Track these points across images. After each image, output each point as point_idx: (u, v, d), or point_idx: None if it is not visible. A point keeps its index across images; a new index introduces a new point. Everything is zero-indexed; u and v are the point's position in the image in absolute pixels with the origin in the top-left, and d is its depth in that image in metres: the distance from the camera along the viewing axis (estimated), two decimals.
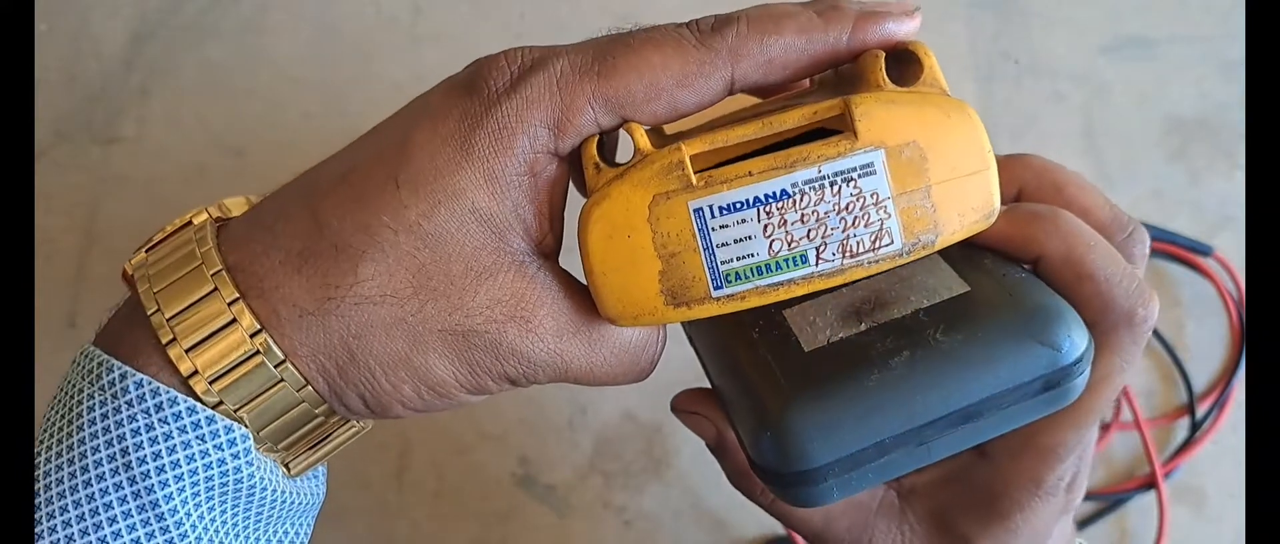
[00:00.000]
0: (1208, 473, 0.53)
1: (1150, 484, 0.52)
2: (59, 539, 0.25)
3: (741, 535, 0.52)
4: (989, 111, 0.57)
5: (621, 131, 0.28)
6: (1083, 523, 0.52)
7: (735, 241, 0.26)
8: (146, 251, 0.28)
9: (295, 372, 0.27)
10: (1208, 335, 0.55)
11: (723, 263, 0.27)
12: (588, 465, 0.52)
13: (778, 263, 0.27)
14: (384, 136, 0.28)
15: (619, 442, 0.53)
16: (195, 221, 0.29)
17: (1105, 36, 0.59)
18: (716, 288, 0.27)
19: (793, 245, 0.27)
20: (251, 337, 0.26)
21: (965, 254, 0.30)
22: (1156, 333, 0.54)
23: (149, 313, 0.27)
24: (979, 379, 0.27)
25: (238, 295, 0.26)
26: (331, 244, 0.26)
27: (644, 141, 0.27)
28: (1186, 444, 0.53)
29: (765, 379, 0.28)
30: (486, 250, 0.27)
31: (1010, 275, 0.29)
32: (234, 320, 0.26)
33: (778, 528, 0.51)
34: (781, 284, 0.27)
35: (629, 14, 0.57)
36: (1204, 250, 0.55)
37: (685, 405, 0.34)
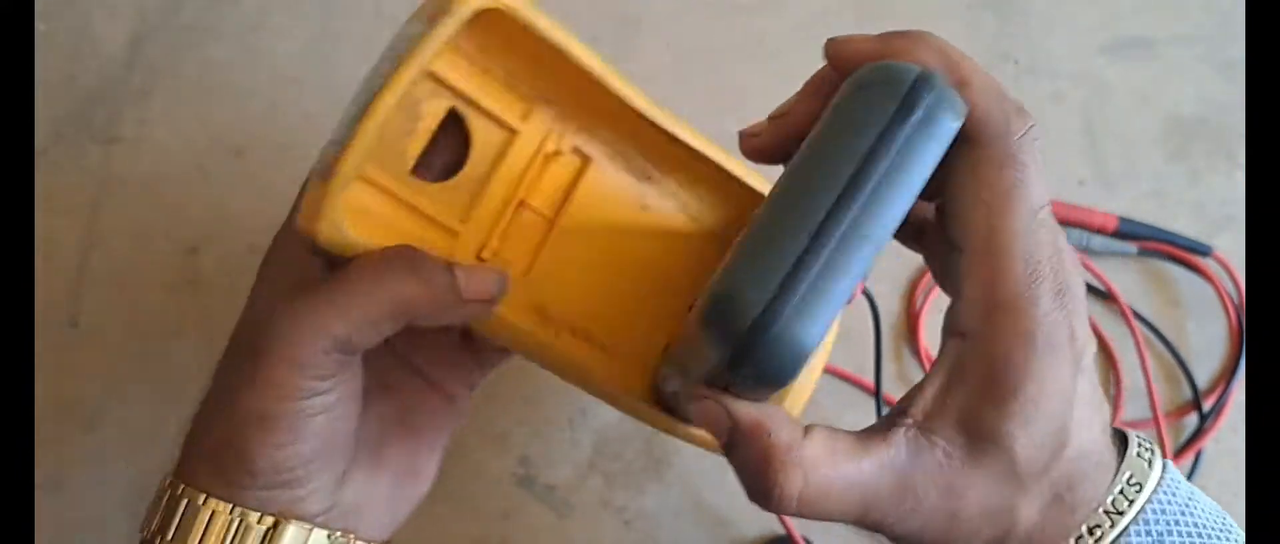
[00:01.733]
0: (1208, 473, 0.53)
1: None
2: None
3: (742, 535, 0.52)
4: None
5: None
6: None
7: None
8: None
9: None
10: (1207, 336, 0.55)
11: None
12: (588, 465, 0.52)
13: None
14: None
15: (619, 442, 0.53)
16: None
17: (1105, 36, 0.59)
18: None
19: None
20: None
21: None
22: (1157, 332, 0.54)
23: None
24: (841, 139, 0.28)
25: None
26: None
27: None
28: (1187, 444, 0.53)
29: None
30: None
31: None
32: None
33: (776, 527, 0.51)
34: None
35: (626, 15, 0.57)
36: (1204, 251, 0.55)
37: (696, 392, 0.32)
